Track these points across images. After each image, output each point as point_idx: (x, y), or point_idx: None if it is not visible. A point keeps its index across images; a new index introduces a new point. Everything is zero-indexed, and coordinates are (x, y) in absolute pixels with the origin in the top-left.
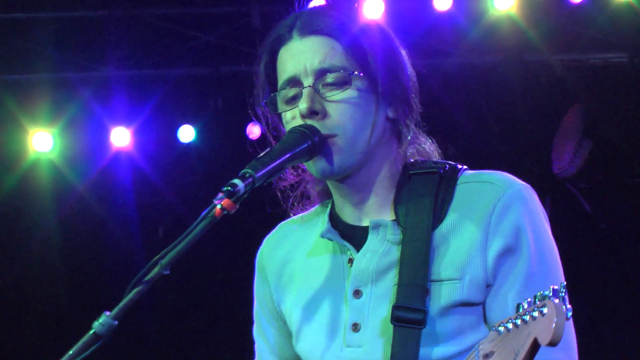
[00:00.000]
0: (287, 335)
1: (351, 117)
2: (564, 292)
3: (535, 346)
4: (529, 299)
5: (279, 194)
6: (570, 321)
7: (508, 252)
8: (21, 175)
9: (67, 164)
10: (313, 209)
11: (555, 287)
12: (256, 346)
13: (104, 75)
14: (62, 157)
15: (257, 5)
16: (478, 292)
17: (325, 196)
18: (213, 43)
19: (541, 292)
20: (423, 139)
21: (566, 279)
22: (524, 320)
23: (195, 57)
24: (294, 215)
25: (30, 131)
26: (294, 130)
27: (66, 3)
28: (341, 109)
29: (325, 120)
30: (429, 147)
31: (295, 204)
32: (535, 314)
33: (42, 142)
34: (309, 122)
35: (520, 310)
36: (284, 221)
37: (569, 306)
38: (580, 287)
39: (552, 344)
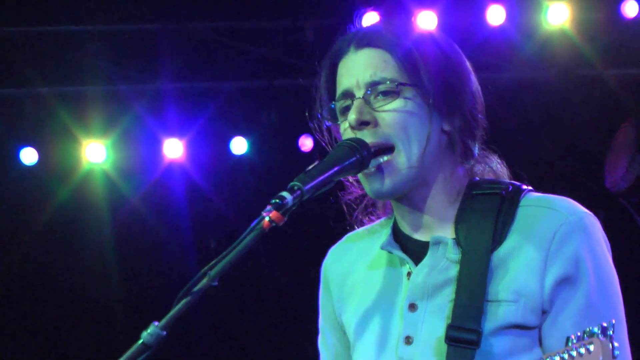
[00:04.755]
0: (347, 345)
1: (403, 126)
2: (612, 331)
3: None
4: (578, 333)
5: (344, 207)
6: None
7: (566, 281)
8: (75, 186)
9: (120, 175)
10: (379, 221)
11: (605, 324)
12: (320, 357)
13: (157, 88)
14: (115, 168)
15: (311, 20)
16: (533, 316)
17: (392, 208)
18: (267, 57)
19: (590, 328)
20: (492, 159)
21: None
22: (571, 356)
23: (249, 70)
24: (360, 227)
25: (83, 142)
26: (343, 143)
27: (120, 16)
28: (391, 118)
29: (376, 129)
30: (499, 168)
31: (360, 216)
32: (582, 350)
33: (96, 153)
34: (359, 133)
35: (569, 344)
36: (350, 233)
37: (616, 344)
38: (632, 303)
39: None
